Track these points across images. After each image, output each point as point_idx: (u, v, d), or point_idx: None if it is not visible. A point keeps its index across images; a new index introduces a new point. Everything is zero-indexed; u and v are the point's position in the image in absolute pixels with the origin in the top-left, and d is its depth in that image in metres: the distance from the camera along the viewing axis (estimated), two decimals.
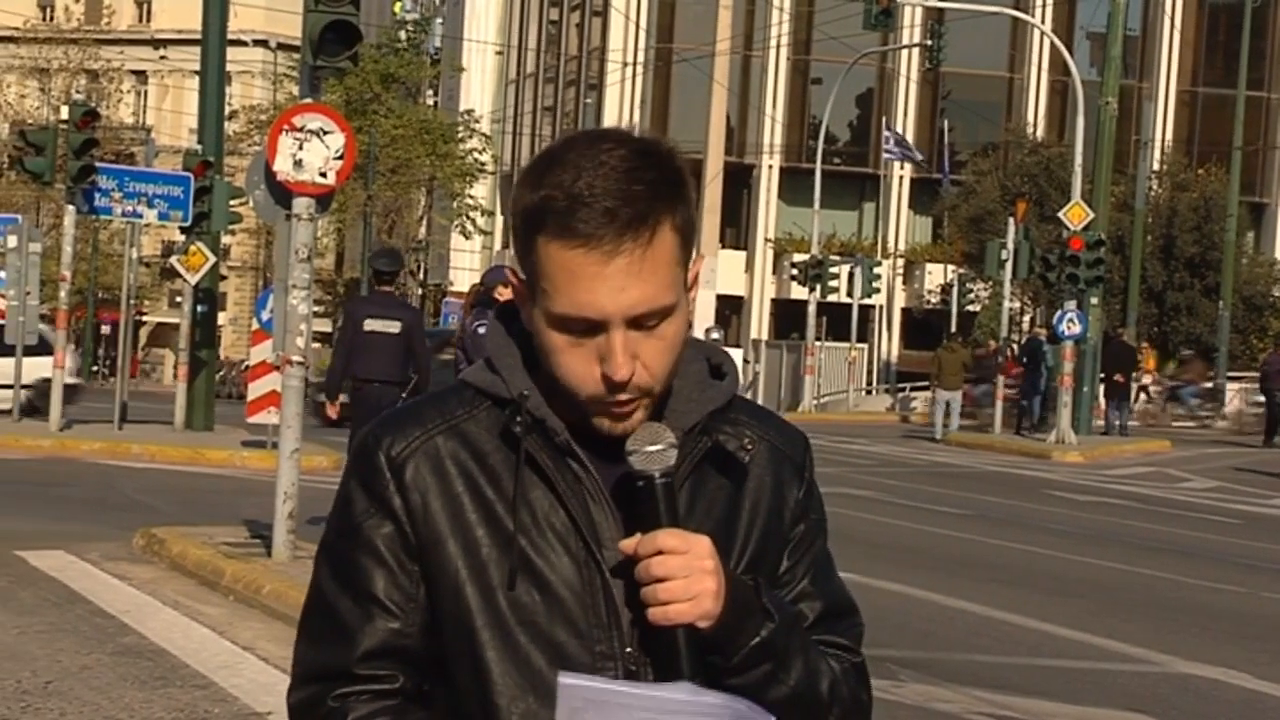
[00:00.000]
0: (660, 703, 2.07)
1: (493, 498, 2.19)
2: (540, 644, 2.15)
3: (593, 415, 2.17)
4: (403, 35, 64.42)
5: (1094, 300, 34.66)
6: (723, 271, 55.01)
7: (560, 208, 2.11)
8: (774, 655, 2.17)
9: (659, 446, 2.15)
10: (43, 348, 26.50)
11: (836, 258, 50.36)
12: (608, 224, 2.09)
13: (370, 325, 14.41)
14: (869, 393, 52.19)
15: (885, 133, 57.07)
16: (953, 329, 49.55)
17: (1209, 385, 45.58)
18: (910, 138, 59.00)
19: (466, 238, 61.56)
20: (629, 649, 2.16)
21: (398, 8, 66.28)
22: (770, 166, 60.56)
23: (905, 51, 58.16)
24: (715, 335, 34.31)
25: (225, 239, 41.26)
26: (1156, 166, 55.20)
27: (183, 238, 27.06)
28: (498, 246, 64.73)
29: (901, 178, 60.80)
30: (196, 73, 33.03)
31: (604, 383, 2.13)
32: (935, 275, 59.49)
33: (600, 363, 2.13)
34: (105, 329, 69.55)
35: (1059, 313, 33.33)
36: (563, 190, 2.11)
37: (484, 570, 2.17)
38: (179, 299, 33.47)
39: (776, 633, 2.17)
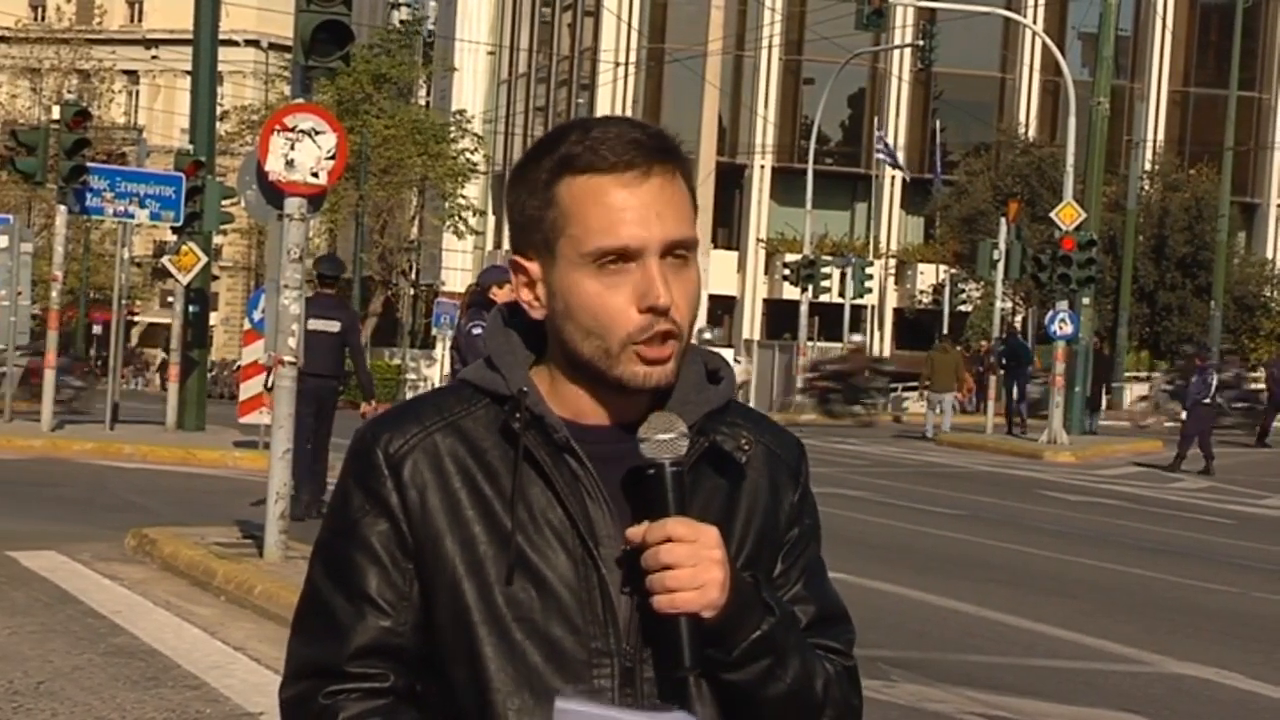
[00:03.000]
0: None
1: (490, 494, 2.19)
2: (536, 640, 2.15)
3: (626, 366, 2.17)
4: (397, 20, 64.41)
5: (1086, 300, 34.71)
6: (715, 272, 55.16)
7: (584, 148, 2.15)
8: (774, 650, 2.17)
9: (671, 435, 2.15)
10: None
11: (828, 258, 50.39)
12: (636, 149, 2.14)
13: (312, 325, 14.76)
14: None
15: (877, 133, 57.13)
16: (944, 329, 49.63)
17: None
18: (902, 138, 59.11)
19: (459, 238, 61.54)
20: (626, 646, 2.16)
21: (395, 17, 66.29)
22: (762, 166, 60.59)
23: (897, 52, 58.22)
24: (709, 335, 34.30)
25: (217, 239, 41.26)
26: (1148, 166, 55.31)
27: (174, 238, 27.03)
28: (490, 246, 64.73)
29: (893, 178, 60.84)
30: (188, 73, 32.99)
31: (646, 314, 2.14)
32: (927, 275, 59.54)
33: (639, 299, 2.14)
34: (97, 329, 69.47)
35: (1051, 313, 33.36)
36: (582, 141, 2.16)
37: (481, 567, 2.17)
38: (171, 299, 33.43)
39: (777, 628, 2.17)
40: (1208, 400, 28.95)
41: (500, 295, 12.09)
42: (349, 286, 54.63)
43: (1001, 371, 36.62)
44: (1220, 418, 29.94)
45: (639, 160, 2.14)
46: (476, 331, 11.97)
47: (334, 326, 15.83)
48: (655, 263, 2.14)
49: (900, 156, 57.30)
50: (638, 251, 2.14)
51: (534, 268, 2.21)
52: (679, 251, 2.16)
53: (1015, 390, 37.23)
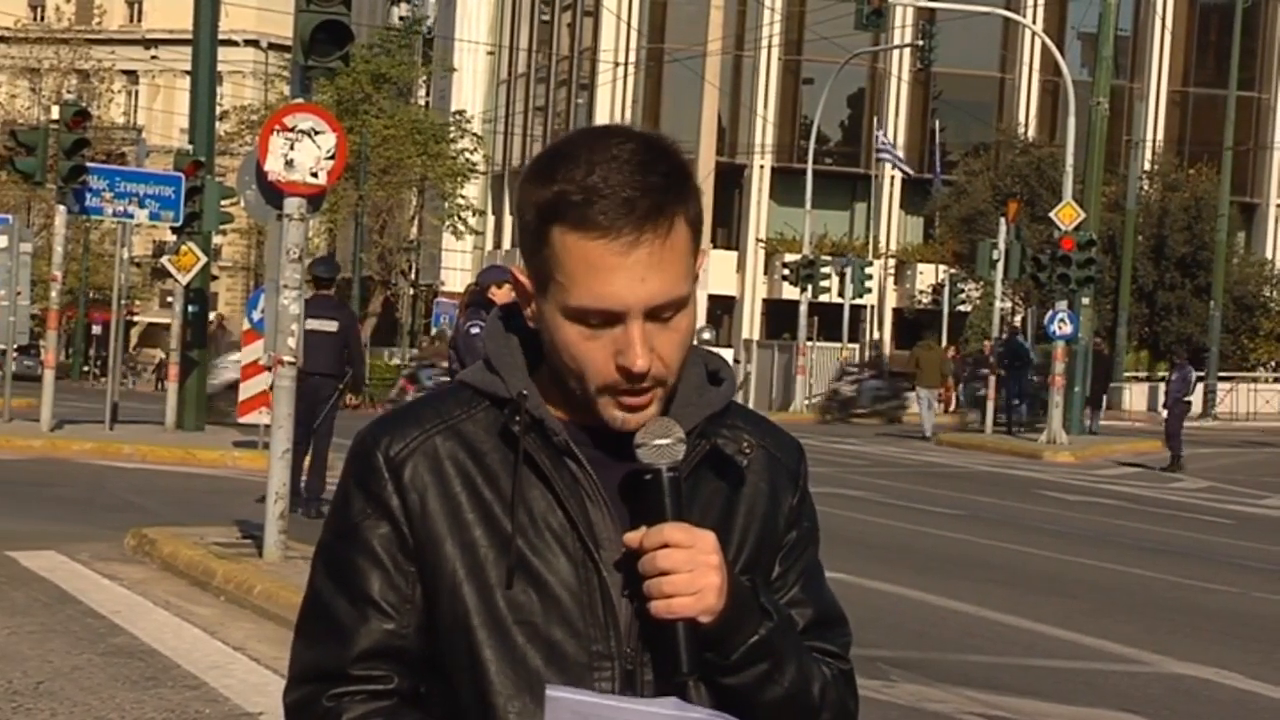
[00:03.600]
0: (647, 717, 2.07)
1: (490, 498, 2.19)
2: (537, 643, 2.15)
3: (605, 409, 2.16)
4: (396, 16, 64.35)
5: (1085, 300, 34.71)
6: (714, 272, 55.18)
7: (577, 200, 2.09)
8: (771, 655, 2.17)
9: (668, 440, 2.15)
10: None
11: (828, 258, 50.38)
12: (627, 214, 2.08)
13: (310, 325, 14.83)
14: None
15: (877, 132, 57.13)
16: (944, 329, 49.64)
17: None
18: (902, 138, 59.11)
19: (458, 238, 61.56)
20: (626, 649, 2.16)
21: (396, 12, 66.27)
22: (762, 166, 60.59)
23: (896, 52, 58.22)
24: (706, 336, 34.32)
25: (216, 239, 41.23)
26: (1148, 166, 55.30)
27: (174, 238, 27.01)
28: (489, 246, 64.74)
29: (893, 178, 60.84)
30: (187, 73, 32.98)
31: (621, 374, 2.13)
32: (926, 275, 59.53)
33: (617, 355, 2.12)
34: (96, 329, 69.45)
35: (1050, 313, 33.36)
36: (577, 183, 2.10)
37: (482, 570, 2.17)
38: (170, 299, 33.43)
39: (774, 632, 2.17)
40: (1188, 398, 29.24)
41: (499, 295, 12.09)
42: (349, 287, 54.72)
43: (1002, 372, 36.63)
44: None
45: (628, 227, 2.09)
46: (475, 331, 11.97)
47: (332, 326, 16.12)
48: (638, 326, 2.11)
49: (900, 154, 57.29)
50: (619, 315, 2.11)
51: (530, 287, 2.20)
52: (665, 314, 2.13)
53: (1015, 391, 37.21)
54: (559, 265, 2.12)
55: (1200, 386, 49.11)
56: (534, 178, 2.15)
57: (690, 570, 2.09)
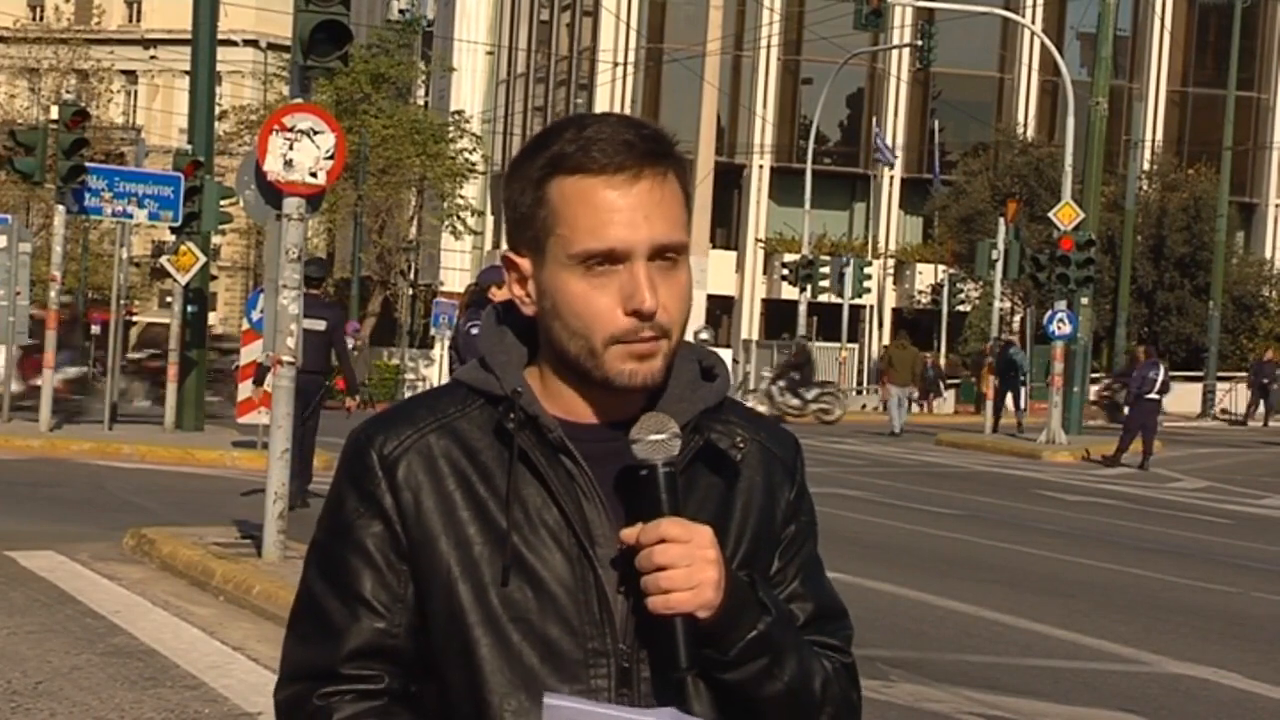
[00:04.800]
0: None
1: (485, 495, 2.19)
2: (533, 641, 2.15)
3: (613, 364, 2.17)
4: (396, 9, 64.30)
5: (1084, 300, 34.71)
6: (713, 271, 55.09)
7: (574, 149, 2.15)
8: (770, 649, 2.17)
9: (663, 435, 2.15)
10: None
11: (827, 258, 50.38)
12: (627, 152, 2.14)
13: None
14: (859, 393, 52.25)
15: (875, 131, 57.15)
16: (943, 329, 49.67)
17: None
18: (901, 138, 59.09)
19: (457, 238, 61.52)
20: (622, 645, 2.16)
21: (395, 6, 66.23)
22: (761, 166, 60.59)
23: (895, 52, 58.22)
24: (705, 336, 34.31)
25: (215, 239, 41.25)
26: (1147, 166, 55.30)
27: (173, 238, 27.01)
28: (488, 246, 64.71)
29: (892, 178, 60.85)
30: (186, 73, 32.99)
31: (631, 317, 2.14)
32: (926, 275, 59.53)
33: (625, 301, 2.14)
34: (95, 329, 69.43)
35: (1049, 313, 33.36)
36: (573, 138, 2.16)
37: (477, 568, 2.17)
38: (169, 299, 33.42)
39: (773, 627, 2.17)
40: (1152, 395, 29.10)
41: (499, 296, 12.09)
42: (348, 287, 54.72)
43: (994, 378, 36.68)
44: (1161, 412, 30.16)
45: (629, 162, 2.13)
46: (474, 331, 11.96)
47: (320, 325, 16.49)
48: (643, 266, 2.14)
49: (898, 154, 57.28)
50: (624, 254, 2.13)
51: (525, 264, 2.22)
52: (668, 254, 2.16)
53: (1012, 397, 37.22)
54: (560, 217, 2.15)
55: (1200, 387, 49.23)
56: (524, 156, 2.21)
57: (688, 565, 2.10)
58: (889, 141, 56.89)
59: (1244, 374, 50.35)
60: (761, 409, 36.28)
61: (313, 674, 2.21)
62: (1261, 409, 47.19)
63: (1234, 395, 50.10)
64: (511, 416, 2.18)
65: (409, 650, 2.20)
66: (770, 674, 2.18)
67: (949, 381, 49.10)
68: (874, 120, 59.30)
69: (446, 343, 29.73)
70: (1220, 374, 49.38)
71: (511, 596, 2.16)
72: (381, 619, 2.20)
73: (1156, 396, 29.08)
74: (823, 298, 47.99)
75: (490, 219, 65.63)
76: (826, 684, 2.26)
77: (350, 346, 22.17)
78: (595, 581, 2.16)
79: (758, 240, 60.53)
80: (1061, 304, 32.86)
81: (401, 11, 66.02)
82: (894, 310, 60.30)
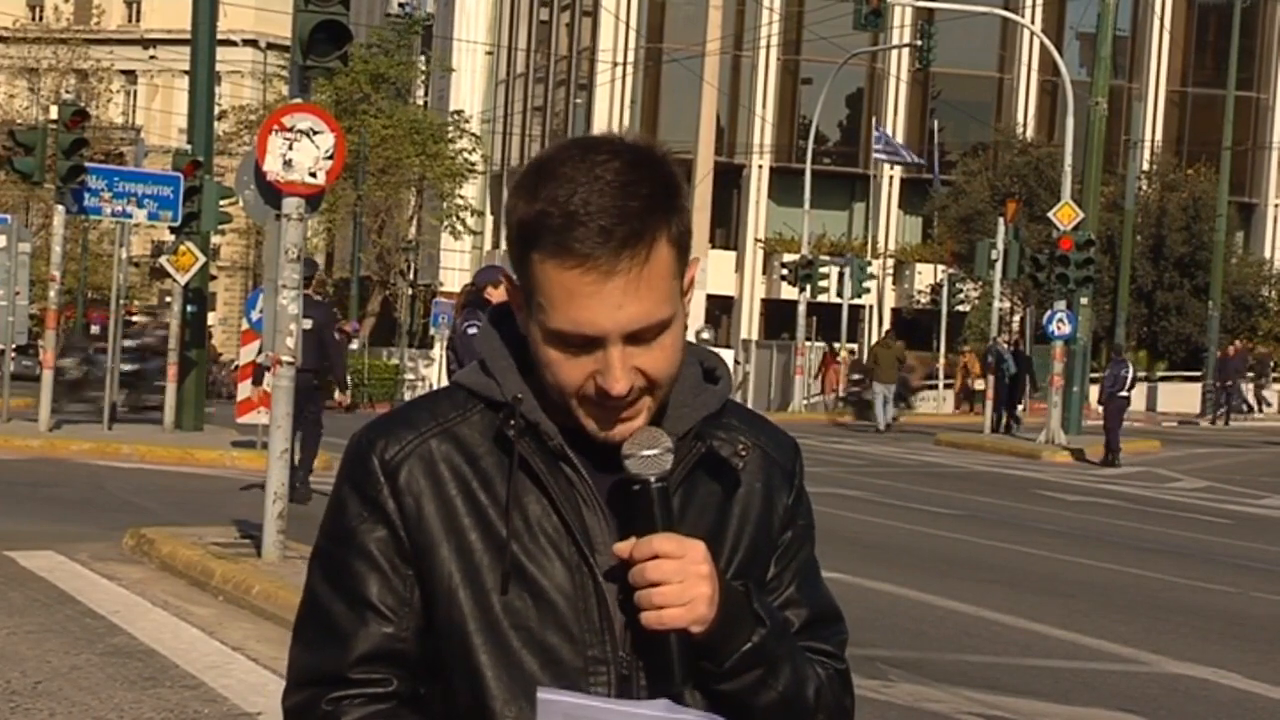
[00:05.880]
0: (638, 718, 2.07)
1: (486, 502, 2.18)
2: (533, 648, 2.15)
3: (586, 422, 2.16)
4: (395, 3, 64.22)
5: (1084, 300, 34.72)
6: (713, 272, 55.17)
7: (556, 225, 2.08)
8: (765, 661, 2.17)
9: (655, 451, 2.14)
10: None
11: (826, 258, 50.37)
12: (604, 243, 2.07)
13: None
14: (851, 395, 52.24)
15: (875, 132, 57.11)
16: (942, 329, 49.63)
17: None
18: (900, 138, 59.04)
19: (456, 238, 61.51)
20: (622, 653, 2.16)
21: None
22: (760, 166, 60.58)
23: (895, 52, 58.21)
24: (705, 336, 34.34)
25: (215, 239, 41.22)
26: (1146, 166, 55.28)
27: (172, 238, 27.02)
28: (488, 246, 64.71)
29: (891, 178, 60.85)
30: (186, 73, 32.98)
31: (599, 396, 2.13)
32: (925, 275, 59.51)
33: (596, 375, 2.12)
34: (95, 329, 69.42)
35: (1049, 313, 33.37)
36: (558, 207, 2.08)
37: (477, 574, 2.17)
38: (169, 299, 33.42)
39: (768, 639, 2.17)
40: (1123, 393, 29.59)
41: (495, 295, 12.08)
42: (347, 287, 54.71)
43: (989, 377, 36.73)
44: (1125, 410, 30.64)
45: (604, 257, 2.07)
46: (472, 331, 11.96)
47: (307, 324, 16.56)
48: (617, 350, 2.10)
49: (900, 143, 57.25)
50: (598, 340, 2.10)
51: (517, 295, 2.20)
52: (645, 336, 2.12)
53: (1008, 399, 37.22)
54: (539, 288, 2.12)
55: (1199, 387, 49.23)
56: (519, 191, 2.15)
57: (680, 581, 2.09)
58: (886, 135, 56.79)
59: (1249, 374, 50.31)
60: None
61: (321, 679, 2.21)
62: (1223, 408, 46.92)
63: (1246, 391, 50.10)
64: (512, 423, 2.17)
65: (417, 653, 2.20)
66: (765, 684, 2.18)
67: (925, 384, 49.19)
68: (874, 120, 59.28)
69: (445, 343, 29.76)
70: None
71: (511, 604, 2.15)
72: (389, 623, 2.19)
73: (1126, 394, 29.78)
74: (822, 298, 47.96)
75: (490, 219, 65.63)
76: (819, 691, 2.26)
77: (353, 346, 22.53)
78: (595, 589, 2.16)
79: (757, 240, 60.52)
80: (1061, 304, 32.86)
81: (401, 4, 65.98)
82: (893, 310, 60.29)
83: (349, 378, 28.12)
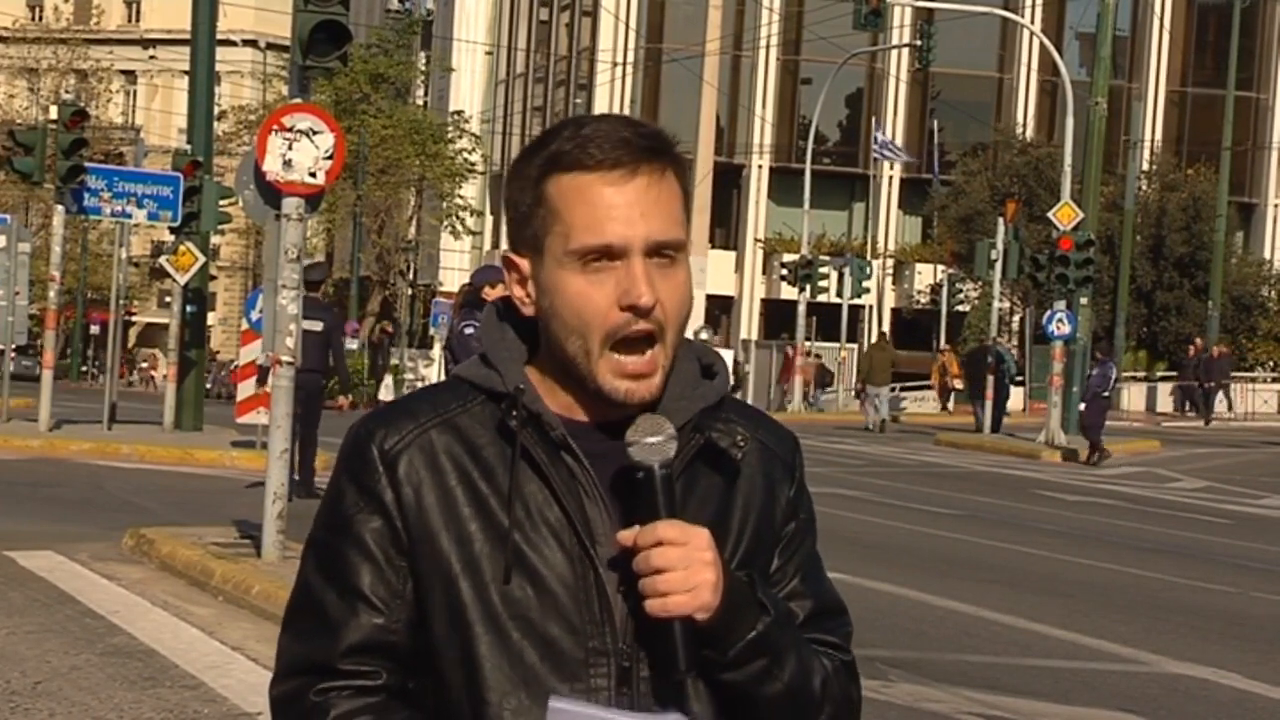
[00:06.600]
0: None
1: (486, 492, 2.18)
2: (533, 639, 2.15)
3: (607, 379, 2.16)
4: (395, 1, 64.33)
5: (1083, 300, 34.72)
6: (712, 271, 55.16)
7: (572, 147, 2.16)
8: (769, 650, 2.17)
9: (659, 438, 2.14)
10: None
11: (826, 258, 50.39)
12: (624, 148, 2.15)
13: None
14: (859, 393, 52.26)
15: (875, 133, 57.13)
16: (942, 329, 49.65)
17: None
18: (900, 138, 59.10)
19: (456, 238, 61.52)
20: (622, 644, 2.16)
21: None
22: (760, 166, 60.60)
23: (895, 52, 58.24)
24: (706, 335, 34.33)
25: (214, 239, 41.23)
26: (1146, 166, 55.30)
27: (172, 238, 27.01)
28: (487, 246, 64.72)
29: (891, 178, 60.86)
30: (186, 73, 32.98)
31: (627, 312, 2.14)
32: (925, 275, 59.54)
33: (621, 296, 2.14)
34: (95, 329, 69.45)
35: (1048, 313, 33.36)
36: (572, 137, 2.17)
37: (477, 565, 2.17)
38: (168, 299, 33.43)
39: (772, 627, 2.17)
40: (1107, 393, 29.87)
41: (493, 295, 12.07)
42: (347, 287, 54.72)
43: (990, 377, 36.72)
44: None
45: (625, 159, 2.14)
46: (469, 331, 11.96)
47: (317, 326, 17.13)
48: (640, 261, 2.14)
49: (899, 145, 57.26)
50: (622, 250, 2.14)
51: (525, 264, 2.22)
52: (665, 252, 2.16)
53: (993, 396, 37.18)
54: (557, 215, 2.16)
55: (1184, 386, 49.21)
56: (524, 156, 2.22)
57: (685, 568, 2.09)
58: (888, 139, 56.82)
59: (1243, 373, 50.31)
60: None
61: (309, 669, 2.20)
62: (1200, 409, 46.87)
63: (1232, 396, 50.05)
64: (514, 413, 2.18)
65: (408, 646, 2.19)
66: (770, 674, 2.18)
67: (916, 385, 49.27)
68: (874, 120, 59.29)
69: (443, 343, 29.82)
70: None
71: (512, 594, 2.15)
72: (380, 614, 2.19)
73: (1109, 394, 30.31)
74: (822, 298, 47.98)
75: (489, 219, 65.64)
76: (826, 682, 2.25)
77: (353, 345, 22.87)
78: (596, 580, 2.16)
79: (757, 240, 60.53)
80: (1060, 304, 32.86)
81: (401, 0, 65.96)
82: (893, 310, 60.31)
83: (350, 377, 28.13)
